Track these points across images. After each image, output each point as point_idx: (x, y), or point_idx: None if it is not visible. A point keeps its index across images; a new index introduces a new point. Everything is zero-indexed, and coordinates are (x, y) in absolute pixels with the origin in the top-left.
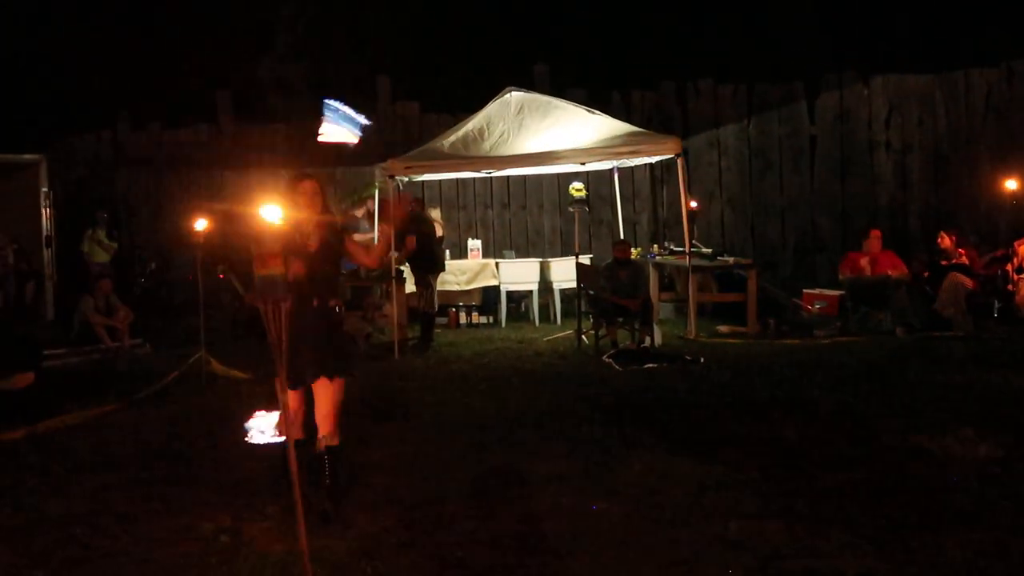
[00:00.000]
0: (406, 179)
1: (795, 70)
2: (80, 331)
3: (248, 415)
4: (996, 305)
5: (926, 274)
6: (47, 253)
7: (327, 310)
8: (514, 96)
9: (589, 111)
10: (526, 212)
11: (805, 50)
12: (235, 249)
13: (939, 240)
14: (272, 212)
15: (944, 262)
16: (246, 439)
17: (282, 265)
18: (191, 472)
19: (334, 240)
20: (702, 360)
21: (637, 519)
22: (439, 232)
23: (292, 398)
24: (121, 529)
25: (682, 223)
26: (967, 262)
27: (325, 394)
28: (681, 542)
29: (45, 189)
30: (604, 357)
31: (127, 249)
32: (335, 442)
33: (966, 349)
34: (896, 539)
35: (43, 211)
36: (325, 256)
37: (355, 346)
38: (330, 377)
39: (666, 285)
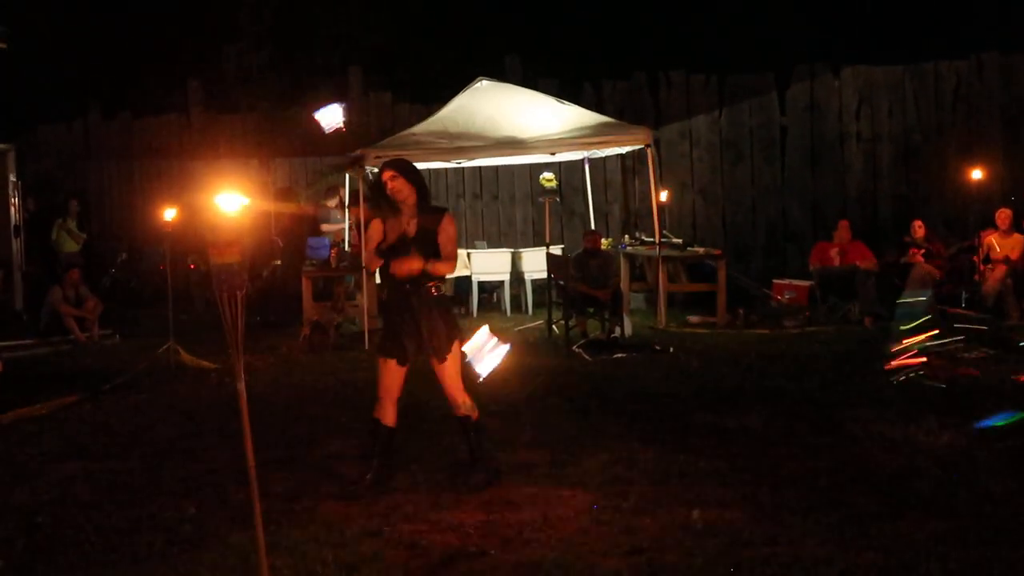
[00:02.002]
0: (376, 169)
1: (766, 61)
2: (49, 321)
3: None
4: (963, 295)
5: (901, 260)
6: (16, 243)
7: (421, 290)
8: (485, 86)
9: (560, 101)
10: (498, 202)
11: (776, 41)
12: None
13: (915, 230)
14: (229, 201)
15: (914, 251)
16: None
17: (238, 253)
18: (157, 462)
19: (426, 230)
20: (671, 350)
21: (602, 507)
22: None
23: (389, 376)
24: (85, 518)
25: (653, 213)
26: (920, 260)
27: (439, 374)
28: (644, 530)
29: (14, 178)
30: (574, 347)
31: (97, 239)
32: (470, 414)
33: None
34: (857, 527)
35: (12, 201)
36: (408, 245)
37: (448, 323)
38: (430, 358)
39: (637, 275)
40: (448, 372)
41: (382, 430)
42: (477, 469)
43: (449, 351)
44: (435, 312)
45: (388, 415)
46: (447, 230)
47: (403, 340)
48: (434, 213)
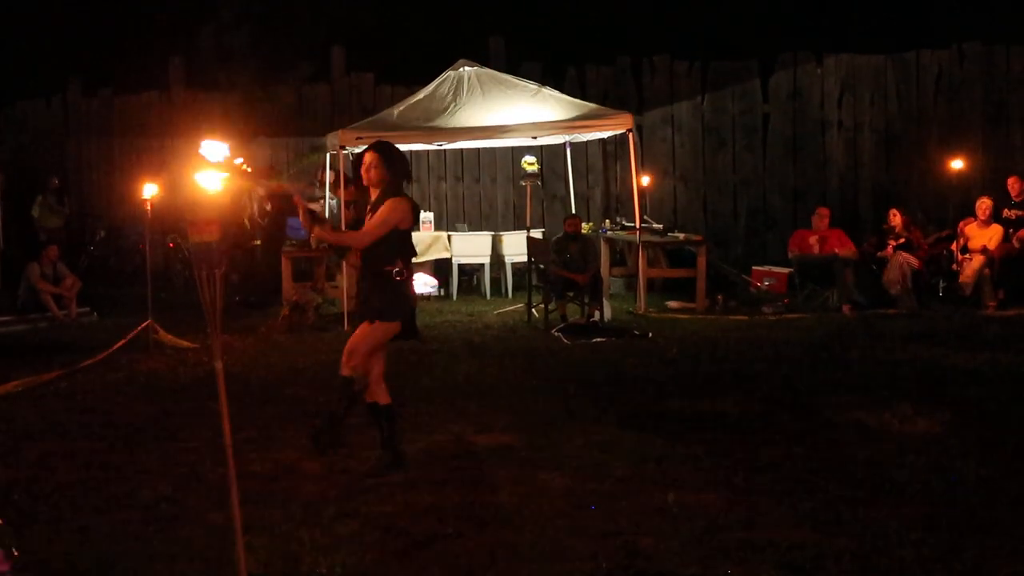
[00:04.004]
0: (358, 149)
1: (750, 48)
2: (26, 299)
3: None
4: (941, 284)
5: (878, 254)
6: None
7: (379, 274)
8: (467, 70)
9: (541, 86)
10: (479, 185)
11: (760, 28)
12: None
13: (890, 217)
14: (208, 179)
15: (892, 241)
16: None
17: (217, 231)
18: (134, 440)
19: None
20: (650, 335)
21: (579, 491)
22: None
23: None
24: (61, 496)
25: (634, 199)
26: (891, 254)
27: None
28: (621, 513)
29: None
30: (553, 331)
31: (76, 216)
32: (353, 377)
33: (909, 327)
34: (830, 512)
35: None
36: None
37: (396, 301)
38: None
39: (617, 260)
40: (366, 335)
41: (378, 410)
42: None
43: (382, 319)
44: (387, 286)
45: (377, 395)
46: (383, 210)
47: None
48: (391, 197)
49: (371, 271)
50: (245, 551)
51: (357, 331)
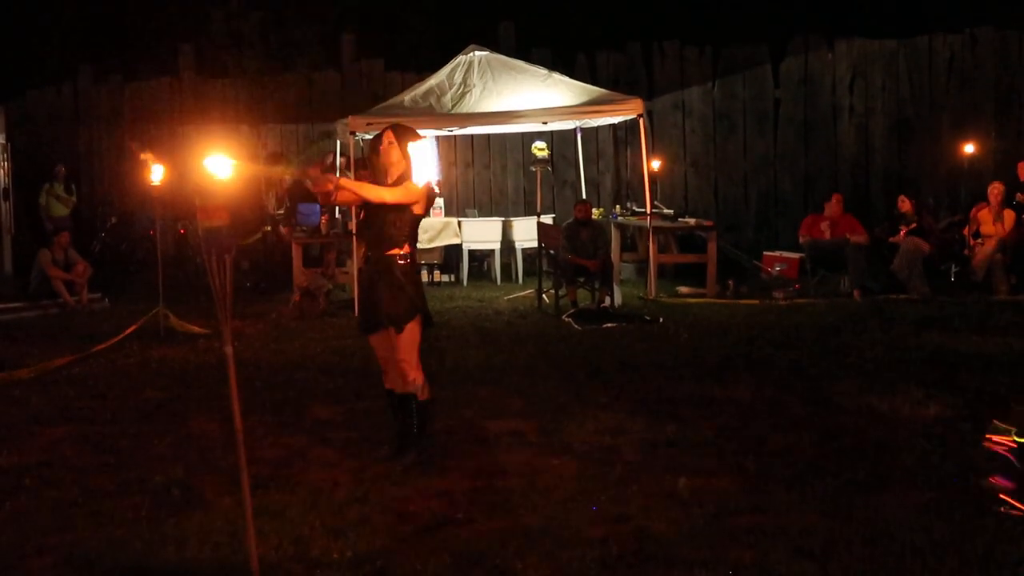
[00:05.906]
0: (368, 135)
1: (760, 33)
2: (38, 285)
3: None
4: (953, 269)
5: (890, 239)
6: (5, 206)
7: (384, 260)
8: (477, 55)
9: (551, 72)
10: (489, 171)
11: (772, 13)
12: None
13: (899, 204)
14: (217, 163)
15: (904, 226)
16: None
17: (226, 217)
18: (145, 425)
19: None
20: (661, 320)
21: (589, 476)
22: None
23: (375, 346)
24: (72, 481)
25: (644, 184)
26: (902, 239)
27: (394, 344)
28: (630, 499)
29: (3, 141)
30: (564, 317)
31: (87, 203)
32: (416, 393)
33: (921, 312)
34: (841, 497)
35: (1, 164)
36: (378, 209)
37: (412, 294)
38: (387, 328)
39: (628, 245)
40: (403, 344)
41: (392, 398)
42: (407, 446)
43: (408, 321)
44: (399, 281)
45: (395, 383)
46: (404, 185)
47: (367, 310)
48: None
49: (376, 256)
50: (256, 536)
51: (395, 343)
